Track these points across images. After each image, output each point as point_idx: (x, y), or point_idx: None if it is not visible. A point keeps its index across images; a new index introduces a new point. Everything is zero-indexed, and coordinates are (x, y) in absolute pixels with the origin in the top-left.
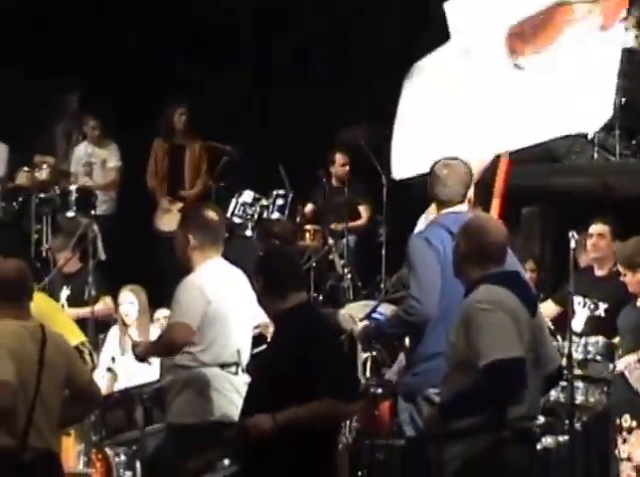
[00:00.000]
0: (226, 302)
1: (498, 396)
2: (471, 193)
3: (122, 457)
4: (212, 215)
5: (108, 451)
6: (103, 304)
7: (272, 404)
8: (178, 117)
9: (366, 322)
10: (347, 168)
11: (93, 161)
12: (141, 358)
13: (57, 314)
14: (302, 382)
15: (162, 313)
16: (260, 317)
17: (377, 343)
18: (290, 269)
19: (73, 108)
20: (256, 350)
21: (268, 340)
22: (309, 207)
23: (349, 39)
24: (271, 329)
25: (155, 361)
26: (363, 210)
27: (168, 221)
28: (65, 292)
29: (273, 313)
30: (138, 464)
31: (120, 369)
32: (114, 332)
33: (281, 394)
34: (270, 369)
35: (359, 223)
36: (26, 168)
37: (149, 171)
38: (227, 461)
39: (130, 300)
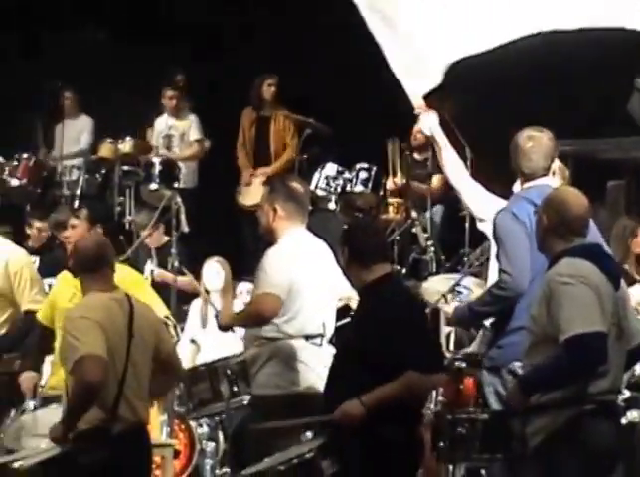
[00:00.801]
0: (310, 273)
1: (579, 370)
2: (555, 165)
3: (205, 428)
4: (297, 186)
5: (191, 422)
6: (186, 276)
7: (356, 377)
8: (267, 88)
9: (456, 303)
10: (424, 138)
11: (173, 134)
12: (225, 327)
13: (142, 287)
14: (386, 354)
15: (245, 287)
16: (345, 289)
17: (470, 325)
18: (375, 242)
19: (178, 79)
20: (341, 322)
21: (352, 312)
22: (392, 179)
23: None
24: (354, 303)
25: (237, 331)
26: (436, 179)
27: (250, 194)
28: (149, 266)
29: (358, 285)
30: (221, 435)
31: (202, 341)
32: (197, 304)
33: (365, 366)
34: (355, 341)
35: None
36: (109, 140)
37: (238, 143)
38: (310, 433)
39: (216, 270)
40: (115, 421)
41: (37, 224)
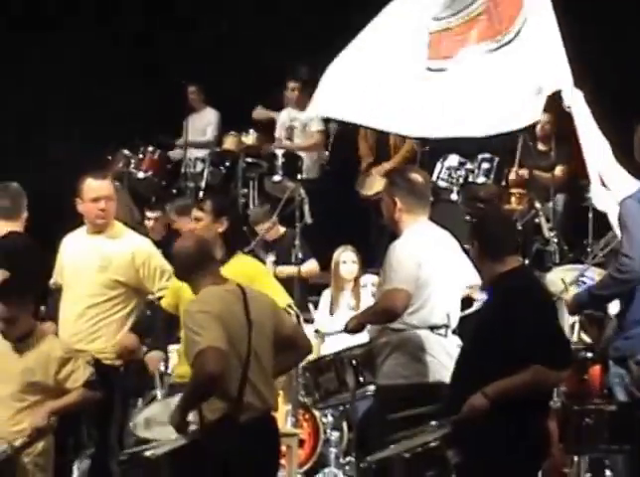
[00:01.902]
0: (434, 264)
1: None
2: None
3: (330, 418)
4: (417, 177)
5: (316, 412)
6: (310, 266)
7: (483, 368)
8: None
9: (575, 290)
10: (550, 128)
11: (295, 125)
12: (356, 330)
13: (265, 277)
14: (514, 346)
15: (369, 279)
16: (469, 279)
17: (589, 310)
18: (507, 233)
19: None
20: (465, 312)
21: (476, 303)
22: (516, 171)
23: None
24: (477, 293)
25: None
26: (559, 169)
27: (369, 184)
28: (270, 258)
29: (490, 277)
30: (345, 424)
31: (329, 331)
32: (328, 293)
33: (493, 357)
34: (483, 332)
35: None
36: (233, 132)
37: (360, 134)
38: (434, 422)
39: (353, 259)
40: (242, 410)
41: (151, 214)
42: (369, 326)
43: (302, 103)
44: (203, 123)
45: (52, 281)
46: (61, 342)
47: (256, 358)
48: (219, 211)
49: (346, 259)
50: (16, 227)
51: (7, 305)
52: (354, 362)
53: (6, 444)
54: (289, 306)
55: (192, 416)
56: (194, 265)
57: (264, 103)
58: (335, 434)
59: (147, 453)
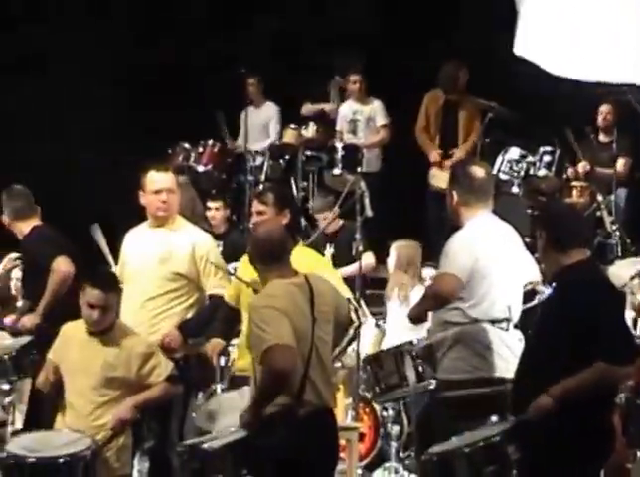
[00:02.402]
0: (495, 258)
1: None
2: None
3: (390, 412)
4: (477, 171)
5: (376, 406)
6: (369, 260)
7: (547, 365)
8: (462, 75)
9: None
10: (612, 119)
11: (358, 119)
12: (416, 320)
13: (325, 270)
14: (578, 342)
15: (429, 272)
16: (531, 273)
17: None
18: (575, 226)
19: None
20: (527, 305)
21: (539, 296)
22: (576, 168)
23: None
24: (540, 287)
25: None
26: (621, 162)
27: (442, 177)
28: (329, 251)
29: (555, 270)
30: (405, 418)
31: (391, 323)
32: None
33: (556, 353)
34: (546, 327)
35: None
36: (293, 126)
37: (418, 125)
38: (495, 417)
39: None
40: (300, 405)
41: (212, 204)
42: (430, 320)
43: (363, 96)
44: (263, 118)
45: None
46: (141, 337)
47: (318, 354)
48: (282, 203)
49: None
50: (37, 221)
51: (107, 293)
52: (415, 355)
53: (90, 440)
54: (348, 300)
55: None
56: (272, 254)
57: (311, 99)
58: (395, 428)
59: (205, 445)
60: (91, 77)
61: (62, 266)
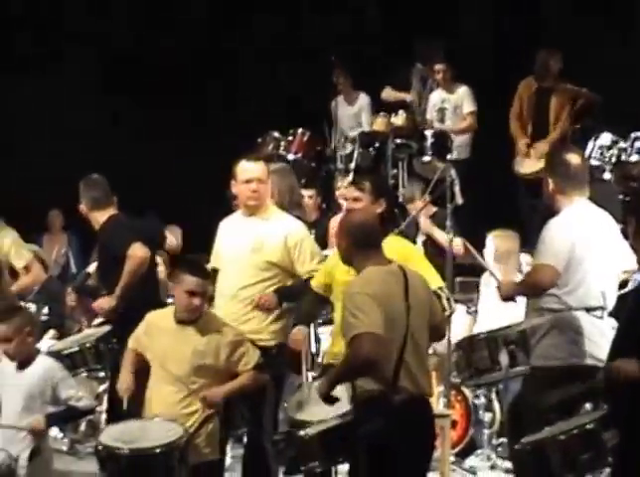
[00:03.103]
0: (591, 245)
1: None
2: None
3: (482, 399)
4: (572, 158)
5: (467, 393)
6: (458, 246)
7: (637, 352)
8: (554, 62)
9: None
10: None
11: (446, 107)
12: (506, 298)
13: (417, 259)
14: None
15: (523, 258)
16: (627, 263)
17: None
18: None
19: (433, 55)
20: (621, 292)
21: (632, 282)
22: None
23: None
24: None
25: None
26: None
27: (527, 163)
28: (420, 238)
29: None
30: (497, 406)
31: (485, 310)
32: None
33: None
34: (637, 314)
35: None
36: (382, 113)
37: (512, 112)
38: (589, 405)
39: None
40: (395, 392)
41: (307, 193)
42: (524, 307)
43: (450, 84)
44: (354, 108)
45: (209, 265)
46: (229, 326)
47: (413, 341)
48: (378, 191)
49: (487, 245)
50: (113, 210)
51: (204, 279)
52: (508, 341)
53: (182, 428)
54: (440, 289)
55: (346, 398)
56: (367, 240)
57: (393, 84)
58: (487, 416)
59: (301, 432)
60: None
61: (138, 251)
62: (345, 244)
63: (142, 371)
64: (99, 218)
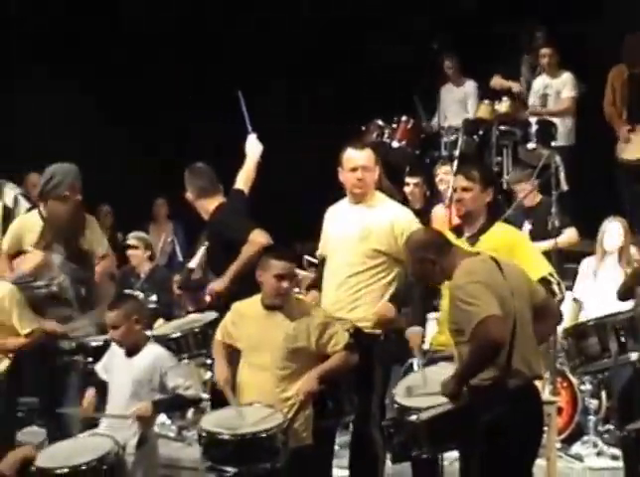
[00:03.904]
0: None
1: None
2: None
3: (588, 386)
4: None
5: (573, 380)
6: (567, 236)
7: None
8: None
9: None
10: None
11: (548, 93)
12: (623, 297)
13: (525, 245)
14: None
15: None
16: None
17: None
18: None
19: (538, 42)
20: None
21: None
22: None
23: None
24: None
25: None
26: None
27: (630, 149)
28: (526, 226)
29: None
30: (604, 393)
31: (587, 298)
32: (587, 262)
33: None
34: None
35: None
36: (486, 101)
37: (606, 99)
38: None
39: (618, 231)
40: (510, 376)
41: (411, 180)
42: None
43: (554, 70)
44: (460, 95)
45: (318, 252)
46: (316, 307)
47: (521, 325)
48: (486, 180)
49: (609, 230)
50: (221, 199)
51: (292, 263)
52: (617, 327)
53: (281, 414)
54: (550, 275)
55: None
56: (443, 244)
57: (502, 71)
58: (593, 402)
59: (412, 417)
60: None
61: (261, 238)
62: (426, 262)
63: (232, 359)
64: (207, 205)
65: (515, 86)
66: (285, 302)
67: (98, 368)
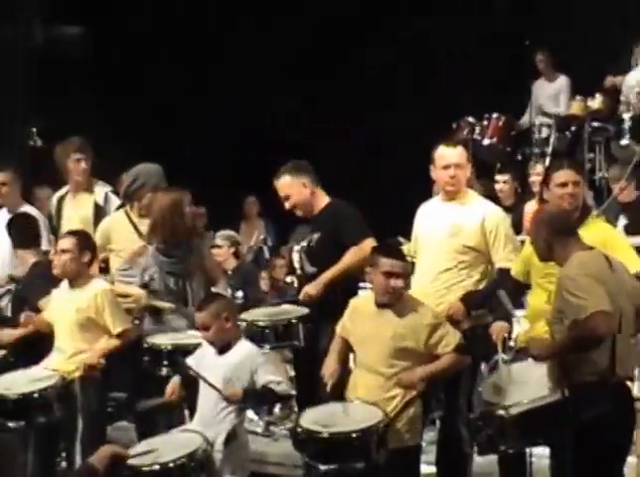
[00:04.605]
0: None
1: None
2: None
3: None
4: None
5: None
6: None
7: None
8: None
9: None
10: None
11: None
12: None
13: (618, 241)
14: None
15: None
16: None
17: None
18: None
19: None
20: None
21: None
22: None
23: None
24: None
25: None
26: None
27: None
28: (622, 221)
29: None
30: None
31: None
32: None
33: None
34: None
35: None
36: (579, 97)
37: None
38: None
39: None
40: (612, 374)
41: (501, 178)
42: None
43: None
44: (553, 90)
45: (407, 249)
46: (428, 307)
47: (624, 322)
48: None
49: None
50: (324, 195)
51: (402, 261)
52: None
53: (382, 412)
54: None
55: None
56: (569, 227)
57: (612, 69)
58: None
59: (501, 412)
60: None
61: (369, 248)
62: (544, 236)
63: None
64: (322, 198)
65: (618, 82)
66: (396, 300)
67: (190, 361)
